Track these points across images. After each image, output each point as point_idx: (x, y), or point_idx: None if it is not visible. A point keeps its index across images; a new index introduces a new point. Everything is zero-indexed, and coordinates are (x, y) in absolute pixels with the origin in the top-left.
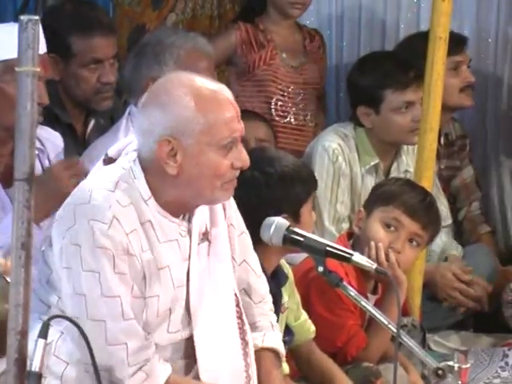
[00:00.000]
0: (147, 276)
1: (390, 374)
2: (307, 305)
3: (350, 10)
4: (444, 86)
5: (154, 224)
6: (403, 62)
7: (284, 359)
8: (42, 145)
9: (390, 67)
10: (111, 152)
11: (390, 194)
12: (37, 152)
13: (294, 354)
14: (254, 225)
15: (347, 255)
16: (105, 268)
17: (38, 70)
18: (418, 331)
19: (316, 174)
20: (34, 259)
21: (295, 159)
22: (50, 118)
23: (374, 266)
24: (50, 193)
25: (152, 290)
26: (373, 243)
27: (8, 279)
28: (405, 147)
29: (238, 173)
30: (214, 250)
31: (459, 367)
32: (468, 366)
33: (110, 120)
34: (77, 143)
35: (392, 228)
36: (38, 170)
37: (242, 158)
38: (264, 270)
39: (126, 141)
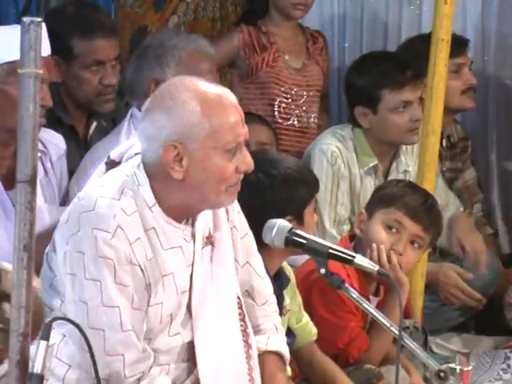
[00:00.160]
0: (152, 284)
1: (391, 376)
2: (309, 307)
3: (352, 11)
4: (446, 88)
5: (157, 231)
6: (400, 61)
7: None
8: (45, 147)
9: (386, 67)
10: (113, 155)
11: (391, 195)
12: (39, 154)
13: (296, 356)
14: (257, 227)
15: (349, 257)
16: (106, 278)
17: (41, 71)
18: (420, 333)
19: None
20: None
21: (297, 160)
22: (53, 119)
23: (376, 267)
24: None
25: (156, 297)
26: (374, 245)
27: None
28: (403, 147)
29: (242, 176)
30: (217, 254)
31: (461, 369)
32: (470, 368)
33: (111, 122)
34: (79, 145)
35: (394, 230)
36: (40, 172)
37: (247, 161)
38: (267, 272)
39: (129, 143)
